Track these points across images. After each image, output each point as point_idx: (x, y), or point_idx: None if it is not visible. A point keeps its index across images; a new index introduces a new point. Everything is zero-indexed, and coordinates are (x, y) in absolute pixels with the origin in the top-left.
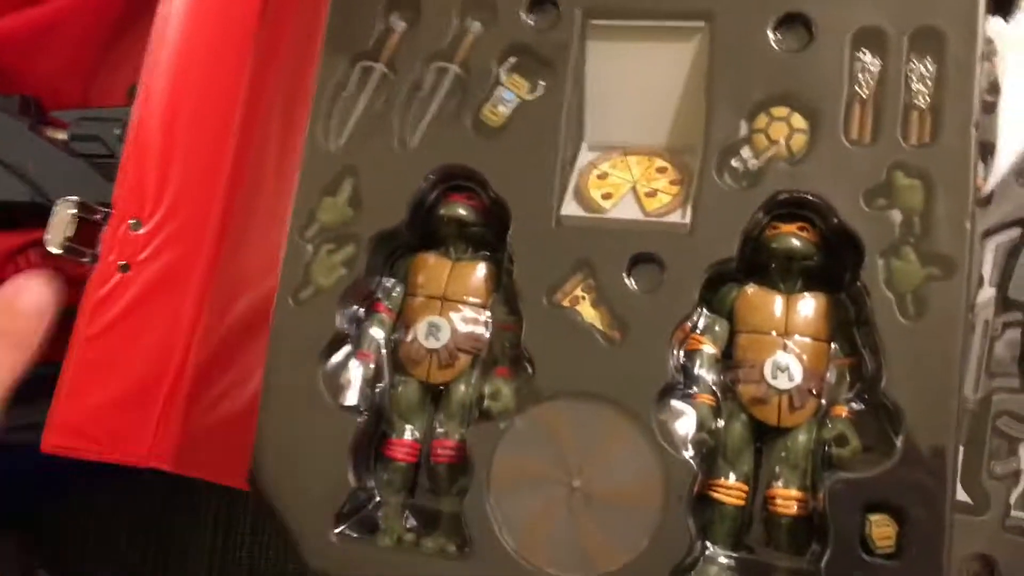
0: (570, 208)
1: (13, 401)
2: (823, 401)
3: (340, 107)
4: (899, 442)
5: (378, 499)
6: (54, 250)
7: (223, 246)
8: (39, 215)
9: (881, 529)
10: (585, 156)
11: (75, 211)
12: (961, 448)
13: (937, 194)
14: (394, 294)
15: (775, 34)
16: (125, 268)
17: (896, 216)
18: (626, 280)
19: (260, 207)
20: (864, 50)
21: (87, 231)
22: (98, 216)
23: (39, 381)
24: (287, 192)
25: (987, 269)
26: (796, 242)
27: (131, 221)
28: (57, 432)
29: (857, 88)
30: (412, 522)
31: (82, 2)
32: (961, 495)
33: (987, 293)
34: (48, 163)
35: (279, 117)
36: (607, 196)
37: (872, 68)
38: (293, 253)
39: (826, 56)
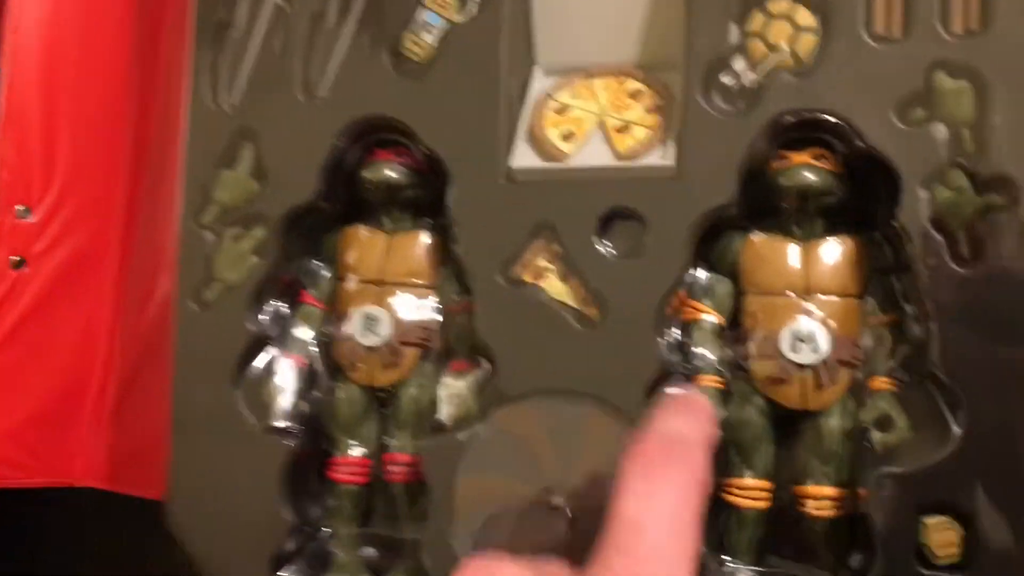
0: (523, 157)
1: None
2: (859, 373)
3: (228, 53)
4: (958, 423)
5: (328, 530)
6: None
7: (135, 229)
8: None
9: (941, 535)
10: (540, 83)
11: None
12: None
13: (992, 97)
14: (322, 279)
15: None
16: (19, 264)
17: (940, 131)
18: (599, 243)
19: (173, 180)
20: None
21: None
22: None
23: None
24: None
25: None
26: (811, 175)
27: (18, 207)
28: None
29: None
30: (371, 554)
31: None
32: None
33: None
34: None
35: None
36: (568, 136)
37: None
38: (189, 244)
39: None
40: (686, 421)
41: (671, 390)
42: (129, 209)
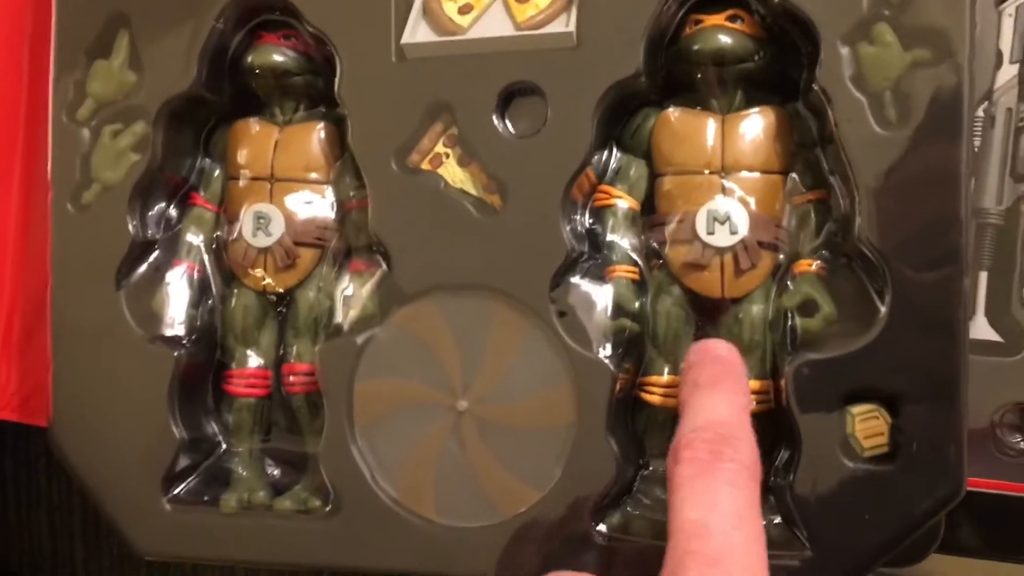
0: (417, 33)
1: None
2: (781, 256)
3: None
4: (884, 303)
5: (225, 446)
6: None
7: (37, 138)
8: None
9: (868, 424)
10: None
11: None
12: (985, 274)
13: None
14: (213, 179)
15: None
16: None
17: None
18: (498, 123)
19: None
20: None
21: None
22: None
23: None
24: None
25: (1006, 41)
26: (725, 38)
27: None
28: None
29: None
30: (274, 470)
31: None
32: (988, 332)
33: (1008, 73)
34: None
35: None
36: (466, 9)
37: None
38: (62, 142)
39: None
40: (728, 401)
41: (698, 348)
42: (30, 118)
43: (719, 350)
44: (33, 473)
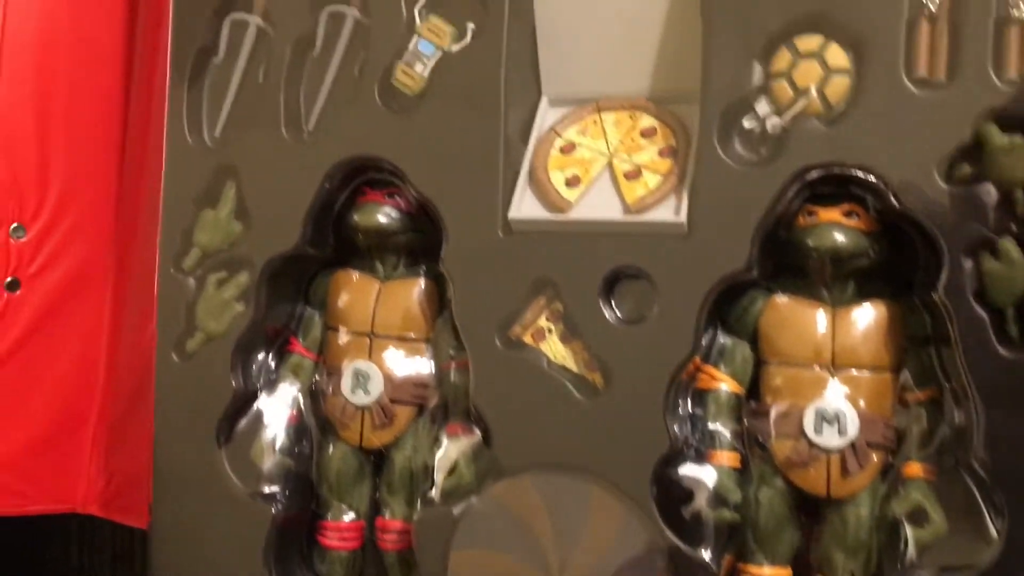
0: (523, 206)
1: None
2: (890, 456)
3: (209, 82)
4: (997, 527)
5: None
6: None
7: (132, 242)
8: None
9: None
10: (546, 116)
11: None
12: None
13: None
14: (312, 326)
15: None
16: (14, 286)
17: (988, 192)
18: (603, 305)
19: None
20: None
21: None
22: None
23: None
24: None
25: None
26: (840, 236)
27: (12, 226)
28: None
29: None
30: None
31: None
32: None
33: None
34: None
35: None
36: (574, 181)
37: None
38: (169, 291)
39: None
40: None
41: None
42: (123, 223)
43: None
44: (98, 522)
